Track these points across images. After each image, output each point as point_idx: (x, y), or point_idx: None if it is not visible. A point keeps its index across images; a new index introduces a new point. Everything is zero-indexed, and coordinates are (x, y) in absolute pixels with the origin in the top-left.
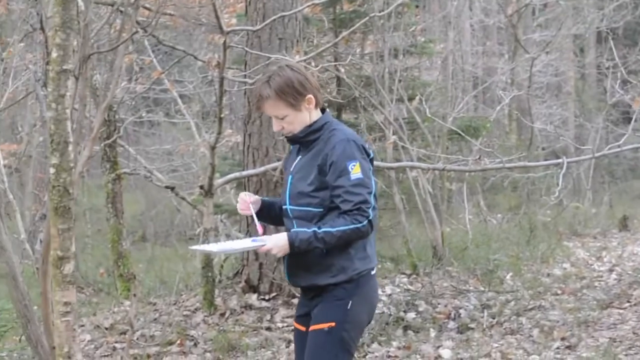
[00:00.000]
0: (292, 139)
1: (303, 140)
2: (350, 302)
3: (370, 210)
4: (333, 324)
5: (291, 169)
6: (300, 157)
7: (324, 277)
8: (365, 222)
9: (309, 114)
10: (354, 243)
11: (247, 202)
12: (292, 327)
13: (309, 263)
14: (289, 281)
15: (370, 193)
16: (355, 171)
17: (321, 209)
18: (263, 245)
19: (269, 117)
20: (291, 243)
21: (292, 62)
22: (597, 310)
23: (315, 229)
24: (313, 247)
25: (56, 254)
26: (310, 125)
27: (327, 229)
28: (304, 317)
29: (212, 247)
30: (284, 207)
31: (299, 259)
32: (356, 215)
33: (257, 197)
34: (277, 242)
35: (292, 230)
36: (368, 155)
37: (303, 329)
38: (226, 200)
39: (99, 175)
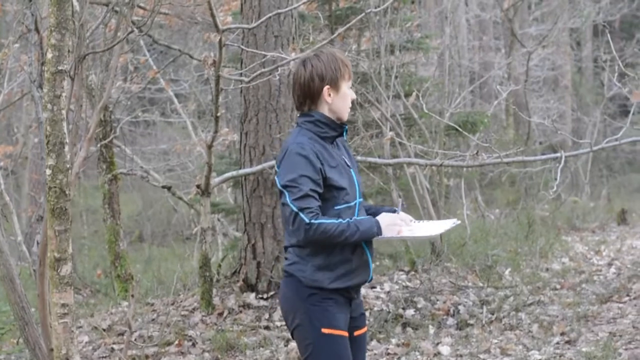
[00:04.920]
0: (341, 133)
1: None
2: None
3: None
4: None
5: (348, 163)
6: (338, 151)
7: None
8: None
9: None
10: None
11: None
12: (332, 335)
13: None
14: (369, 278)
15: None
16: None
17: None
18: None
19: (265, 116)
20: None
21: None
22: (597, 304)
23: None
24: None
25: (53, 255)
26: None
27: None
28: (345, 322)
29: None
30: (352, 203)
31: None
32: None
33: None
34: None
35: None
36: None
37: (347, 334)
38: (223, 199)
39: (95, 176)
